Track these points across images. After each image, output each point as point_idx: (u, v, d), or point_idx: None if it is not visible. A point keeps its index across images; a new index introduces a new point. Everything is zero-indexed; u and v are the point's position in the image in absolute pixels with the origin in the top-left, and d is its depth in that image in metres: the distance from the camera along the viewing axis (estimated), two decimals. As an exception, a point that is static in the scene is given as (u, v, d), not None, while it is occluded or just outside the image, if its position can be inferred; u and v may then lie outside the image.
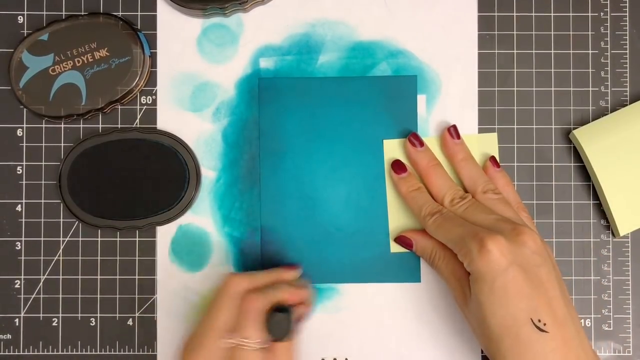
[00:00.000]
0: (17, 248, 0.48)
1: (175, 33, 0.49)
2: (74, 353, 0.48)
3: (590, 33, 0.49)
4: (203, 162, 0.49)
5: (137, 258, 0.48)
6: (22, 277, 0.48)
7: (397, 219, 0.48)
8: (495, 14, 0.49)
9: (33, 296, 0.48)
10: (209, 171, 0.49)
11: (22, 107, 0.48)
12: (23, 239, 0.49)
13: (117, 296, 0.48)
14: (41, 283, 0.48)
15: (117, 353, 0.48)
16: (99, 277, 0.48)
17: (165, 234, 0.48)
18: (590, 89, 0.49)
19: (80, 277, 0.48)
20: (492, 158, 0.47)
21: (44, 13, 0.49)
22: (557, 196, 0.49)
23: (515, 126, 0.49)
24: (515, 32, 0.49)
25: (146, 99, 0.49)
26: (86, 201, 0.47)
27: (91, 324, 0.48)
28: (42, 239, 0.48)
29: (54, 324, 0.48)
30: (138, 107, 0.49)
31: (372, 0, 0.49)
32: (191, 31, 0.49)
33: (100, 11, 0.49)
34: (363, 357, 0.48)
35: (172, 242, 0.48)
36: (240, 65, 0.49)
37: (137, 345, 0.48)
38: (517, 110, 0.49)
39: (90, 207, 0.48)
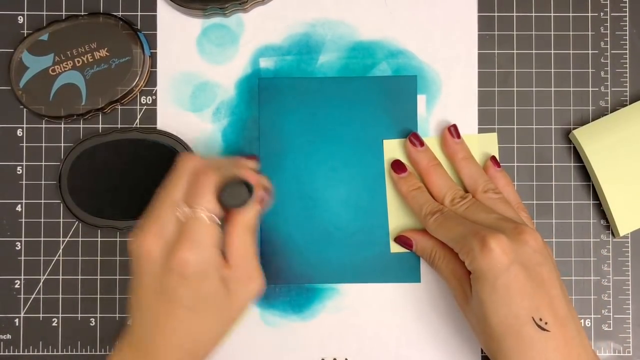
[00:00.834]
0: (17, 248, 0.48)
1: (175, 33, 0.49)
2: (74, 353, 0.48)
3: (590, 33, 0.49)
4: (203, 162, 0.48)
5: (137, 258, 0.48)
6: (22, 277, 0.48)
7: (397, 218, 0.48)
8: (495, 14, 0.49)
9: (33, 296, 0.48)
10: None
11: (22, 107, 0.48)
12: (23, 239, 0.49)
13: (117, 296, 0.48)
14: (41, 283, 0.48)
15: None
16: (99, 277, 0.48)
17: (165, 234, 0.48)
18: (590, 89, 0.49)
19: (80, 277, 0.48)
20: (493, 158, 0.47)
21: (44, 13, 0.49)
22: (557, 196, 0.49)
23: (515, 126, 0.49)
24: (515, 32, 0.49)
25: (146, 99, 0.49)
26: (86, 201, 0.47)
27: (91, 324, 0.48)
28: (42, 239, 0.48)
29: (54, 324, 0.48)
30: (138, 107, 0.49)
31: (372, 0, 0.49)
32: (191, 31, 0.49)
33: (100, 11, 0.49)
34: (363, 357, 0.48)
35: (172, 242, 0.48)
36: (240, 65, 0.49)
37: (137, 345, 0.48)
38: (517, 110, 0.49)
39: (90, 207, 0.47)
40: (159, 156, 0.48)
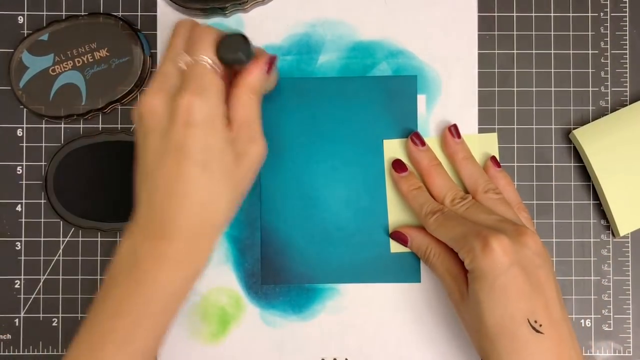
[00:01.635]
0: (17, 248, 0.48)
1: (175, 33, 0.49)
2: (74, 353, 0.48)
3: (590, 33, 0.49)
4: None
5: (137, 258, 0.48)
6: (22, 277, 0.48)
7: (397, 218, 0.48)
8: (495, 14, 0.49)
9: (33, 296, 0.48)
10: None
11: (22, 107, 0.48)
12: (23, 239, 0.49)
13: (117, 296, 0.48)
14: (41, 283, 0.48)
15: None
16: (99, 277, 0.48)
17: (165, 234, 0.48)
18: (590, 89, 0.49)
19: (80, 277, 0.48)
20: (493, 158, 0.47)
21: (44, 13, 0.49)
22: (557, 196, 0.49)
23: (515, 126, 0.49)
24: (515, 32, 0.49)
25: (146, 99, 0.49)
26: (71, 202, 0.47)
27: (91, 324, 0.48)
28: (42, 239, 0.48)
29: (54, 324, 0.48)
30: (138, 107, 0.49)
31: (372, 0, 0.49)
32: (191, 31, 0.49)
33: (100, 11, 0.49)
34: (363, 357, 0.48)
35: (172, 242, 0.48)
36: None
37: (137, 345, 0.48)
38: (517, 110, 0.49)
39: (75, 208, 0.47)
40: None
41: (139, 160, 0.39)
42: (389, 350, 0.48)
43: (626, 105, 0.49)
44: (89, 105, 0.47)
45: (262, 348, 0.48)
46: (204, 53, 0.38)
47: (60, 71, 0.47)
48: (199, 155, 0.37)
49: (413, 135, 0.47)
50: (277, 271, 0.48)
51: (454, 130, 0.47)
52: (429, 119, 0.49)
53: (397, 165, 0.47)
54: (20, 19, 0.49)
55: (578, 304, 0.49)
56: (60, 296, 0.48)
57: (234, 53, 0.39)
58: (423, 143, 0.47)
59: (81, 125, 0.49)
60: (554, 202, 0.49)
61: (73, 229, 0.48)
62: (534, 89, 0.49)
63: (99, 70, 0.47)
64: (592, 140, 0.47)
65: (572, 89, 0.49)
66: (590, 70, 0.49)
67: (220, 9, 0.47)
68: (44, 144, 0.49)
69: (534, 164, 0.49)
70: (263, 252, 0.48)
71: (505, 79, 0.49)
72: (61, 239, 0.49)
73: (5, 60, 0.48)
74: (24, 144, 0.49)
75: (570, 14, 0.49)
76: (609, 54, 0.49)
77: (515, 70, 0.49)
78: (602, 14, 0.49)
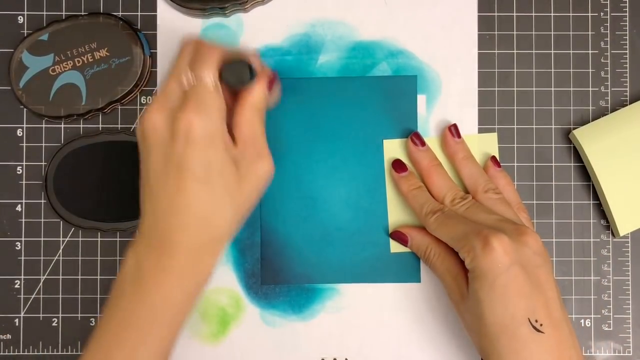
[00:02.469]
0: (17, 248, 0.48)
1: (175, 33, 0.49)
2: (74, 353, 0.48)
3: (590, 33, 0.49)
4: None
5: (137, 258, 0.48)
6: (22, 277, 0.48)
7: (397, 218, 0.48)
8: (495, 14, 0.49)
9: (33, 296, 0.48)
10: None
11: (22, 107, 0.48)
12: (23, 239, 0.49)
13: (117, 296, 0.48)
14: (41, 283, 0.48)
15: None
16: (99, 277, 0.48)
17: (165, 234, 0.48)
18: (590, 89, 0.49)
19: (80, 277, 0.48)
20: (493, 158, 0.47)
21: (44, 13, 0.49)
22: (557, 196, 0.49)
23: (515, 126, 0.49)
24: (515, 32, 0.49)
25: (146, 99, 0.49)
26: (71, 202, 0.47)
27: (91, 324, 0.48)
28: (42, 239, 0.48)
29: (54, 324, 0.48)
30: (138, 107, 0.49)
31: (372, 0, 0.49)
32: (191, 31, 0.49)
33: (100, 11, 0.49)
34: (363, 357, 0.48)
35: (172, 242, 0.48)
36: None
37: (137, 345, 0.48)
38: (517, 110, 0.49)
39: (75, 208, 0.47)
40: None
41: (143, 175, 0.40)
42: (389, 350, 0.48)
43: (626, 105, 0.49)
44: (89, 105, 0.47)
45: (262, 348, 0.48)
46: (206, 72, 0.39)
47: (60, 71, 0.47)
48: (199, 170, 0.38)
49: (413, 136, 0.47)
50: (277, 271, 0.48)
51: (454, 129, 0.47)
52: (429, 119, 0.49)
53: (397, 165, 0.47)
54: (20, 19, 0.49)
55: (578, 304, 0.49)
56: (60, 296, 0.48)
57: (237, 79, 0.40)
58: (423, 143, 0.47)
59: (81, 125, 0.49)
60: (554, 202, 0.49)
61: (73, 229, 0.48)
62: (534, 89, 0.49)
63: (99, 70, 0.47)
64: (592, 140, 0.47)
65: (572, 89, 0.49)
66: (590, 70, 0.49)
67: (220, 8, 0.47)
68: (44, 144, 0.49)
69: (534, 164, 0.49)
70: (263, 252, 0.48)
71: (505, 79, 0.49)
72: (61, 239, 0.49)
73: (5, 60, 0.48)
74: (24, 144, 0.49)
75: (570, 14, 0.49)
76: (609, 54, 0.49)
77: (515, 70, 0.49)
78: (602, 14, 0.49)
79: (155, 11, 0.49)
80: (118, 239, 0.49)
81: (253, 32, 0.49)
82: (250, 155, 0.40)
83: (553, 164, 0.49)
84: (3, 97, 0.49)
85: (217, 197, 0.39)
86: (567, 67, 0.49)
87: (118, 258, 0.48)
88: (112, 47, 0.47)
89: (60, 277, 0.48)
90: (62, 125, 0.49)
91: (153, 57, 0.49)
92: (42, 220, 0.48)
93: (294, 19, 0.49)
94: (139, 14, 0.49)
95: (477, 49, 0.49)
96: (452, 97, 0.49)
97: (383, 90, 0.48)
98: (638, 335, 0.48)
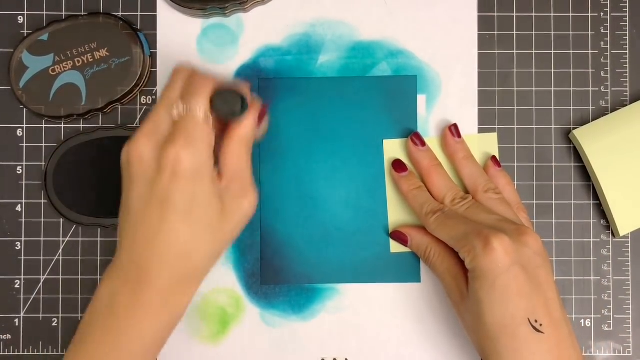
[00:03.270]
0: (17, 248, 0.48)
1: (175, 33, 0.49)
2: (74, 353, 0.48)
3: (590, 33, 0.49)
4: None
5: (137, 258, 0.48)
6: (22, 277, 0.48)
7: (397, 218, 0.48)
8: (495, 14, 0.49)
9: (33, 296, 0.48)
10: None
11: (22, 107, 0.48)
12: (23, 239, 0.49)
13: (117, 296, 0.48)
14: (41, 283, 0.48)
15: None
16: (98, 277, 0.48)
17: (165, 234, 0.48)
18: (590, 89, 0.49)
19: (80, 277, 0.48)
20: (493, 158, 0.47)
21: (44, 13, 0.49)
22: (557, 196, 0.49)
23: (515, 126, 0.49)
24: (515, 32, 0.49)
25: (146, 99, 0.49)
26: (71, 199, 0.47)
27: (91, 324, 0.48)
28: (42, 239, 0.48)
29: (54, 324, 0.48)
30: (138, 107, 0.49)
31: (372, 0, 0.49)
32: (191, 31, 0.49)
33: (100, 11, 0.49)
34: (363, 357, 0.48)
35: (172, 242, 0.48)
36: (240, 66, 0.49)
37: (137, 345, 0.48)
38: (517, 110, 0.49)
39: (75, 205, 0.47)
40: None
41: (123, 204, 0.39)
42: (389, 350, 0.48)
43: (626, 105, 0.49)
44: (89, 105, 0.47)
45: (262, 348, 0.48)
46: (197, 104, 0.38)
47: (60, 71, 0.47)
48: (183, 205, 0.37)
49: (413, 136, 0.47)
50: (277, 271, 0.48)
51: (454, 129, 0.47)
52: (429, 119, 0.49)
53: (398, 165, 0.47)
54: (20, 19, 0.49)
55: (578, 304, 0.49)
56: (60, 296, 0.48)
57: (229, 108, 0.39)
58: (423, 143, 0.47)
59: (81, 125, 0.49)
60: (554, 202, 0.49)
61: (73, 228, 0.48)
62: (534, 89, 0.49)
63: (99, 70, 0.47)
64: (592, 140, 0.47)
65: (572, 89, 0.49)
66: (590, 70, 0.49)
67: (220, 8, 0.47)
68: (43, 144, 0.49)
69: (534, 164, 0.49)
70: (263, 252, 0.48)
71: (505, 79, 0.49)
72: (61, 239, 0.49)
73: (5, 60, 0.48)
74: (24, 144, 0.49)
75: (570, 14, 0.49)
76: (609, 54, 0.49)
77: (515, 70, 0.49)
78: (602, 14, 0.49)
79: (155, 11, 0.49)
80: (118, 239, 0.48)
81: (253, 32, 0.49)
82: (234, 190, 0.40)
83: (553, 164, 0.49)
84: (3, 97, 0.49)
85: (199, 233, 0.38)
86: (567, 67, 0.49)
87: (118, 258, 0.48)
88: (112, 47, 0.47)
89: (60, 277, 0.48)
90: (62, 126, 0.49)
91: (153, 57, 0.49)
92: (42, 220, 0.48)
93: (294, 19, 0.49)
94: (139, 14, 0.49)
95: (477, 49, 0.49)
96: (452, 97, 0.49)
97: (383, 90, 0.48)
98: (638, 335, 0.48)
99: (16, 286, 0.48)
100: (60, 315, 0.48)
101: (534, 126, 0.49)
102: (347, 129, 0.48)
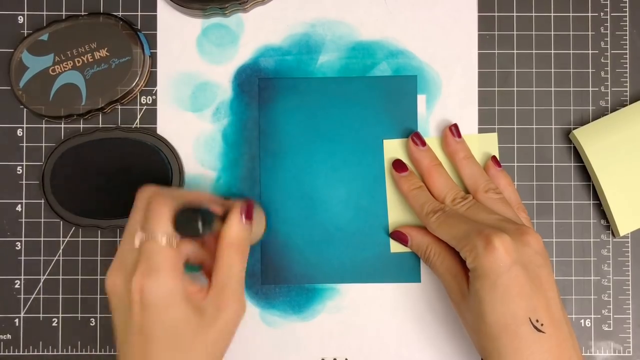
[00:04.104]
0: (17, 248, 0.48)
1: (175, 33, 0.49)
2: (74, 353, 0.48)
3: (590, 33, 0.49)
4: (203, 162, 0.49)
5: (137, 258, 0.48)
6: (22, 277, 0.48)
7: (397, 218, 0.48)
8: (495, 14, 0.49)
9: (33, 296, 0.48)
10: (209, 171, 0.49)
11: (22, 107, 0.48)
12: (23, 239, 0.49)
13: (117, 296, 0.48)
14: (41, 283, 0.48)
15: (117, 353, 0.48)
16: (98, 277, 0.48)
17: (165, 234, 0.48)
18: (590, 89, 0.49)
19: (80, 277, 0.48)
20: (494, 158, 0.47)
21: (44, 13, 0.49)
22: (557, 196, 0.49)
23: (515, 126, 0.49)
24: (515, 32, 0.49)
25: (146, 99, 0.49)
26: (68, 200, 0.47)
27: (91, 324, 0.48)
28: (42, 239, 0.48)
29: (54, 324, 0.48)
30: (138, 107, 0.49)
31: (372, 0, 0.49)
32: (191, 31, 0.49)
33: (100, 11, 0.49)
34: (363, 357, 0.48)
35: (172, 242, 0.48)
36: (240, 66, 0.49)
37: (137, 345, 0.48)
38: (517, 110, 0.49)
39: (73, 206, 0.47)
40: (141, 155, 0.47)
41: (114, 333, 0.39)
42: (389, 350, 0.48)
43: (626, 105, 0.49)
44: (89, 105, 0.47)
45: (262, 348, 0.48)
46: (157, 228, 0.37)
47: (60, 71, 0.47)
48: (161, 334, 0.37)
49: (414, 136, 0.47)
50: (277, 271, 0.48)
51: (454, 129, 0.47)
52: (429, 119, 0.49)
53: (398, 165, 0.47)
54: (20, 19, 0.49)
55: (578, 304, 0.49)
56: (60, 296, 0.48)
57: (191, 227, 0.37)
58: (424, 143, 0.47)
59: (81, 125, 0.49)
60: (554, 202, 0.49)
61: (73, 228, 0.48)
62: (534, 89, 0.49)
63: (99, 70, 0.47)
64: (592, 140, 0.47)
65: (572, 89, 0.49)
66: (590, 70, 0.49)
67: (220, 8, 0.47)
68: (43, 144, 0.49)
69: (534, 164, 0.49)
70: (263, 252, 0.48)
71: (505, 79, 0.49)
72: (61, 238, 0.49)
73: (5, 60, 0.48)
74: (24, 144, 0.49)
75: (570, 14, 0.49)
76: (609, 54, 0.49)
77: (515, 70, 0.49)
78: (602, 14, 0.49)
79: (155, 11, 0.49)
80: (118, 239, 0.49)
81: (253, 32, 0.49)
82: (220, 301, 0.38)
83: (553, 164, 0.49)
84: (3, 97, 0.49)
85: (185, 354, 0.37)
86: (567, 67, 0.49)
87: (118, 258, 0.48)
88: (112, 47, 0.47)
89: (60, 277, 0.48)
90: (62, 125, 0.49)
91: (153, 57, 0.49)
92: (42, 220, 0.48)
93: (294, 19, 0.49)
94: (139, 14, 0.49)
95: (477, 49, 0.49)
96: (452, 97, 0.49)
97: (383, 90, 0.48)
98: (638, 335, 0.48)
99: (16, 286, 0.48)
100: (60, 315, 0.48)
101: (534, 126, 0.49)
102: (347, 129, 0.48)
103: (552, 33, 0.49)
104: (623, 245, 0.49)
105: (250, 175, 0.49)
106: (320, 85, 0.49)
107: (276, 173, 0.48)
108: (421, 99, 0.49)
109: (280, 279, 0.48)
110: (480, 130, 0.49)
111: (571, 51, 0.49)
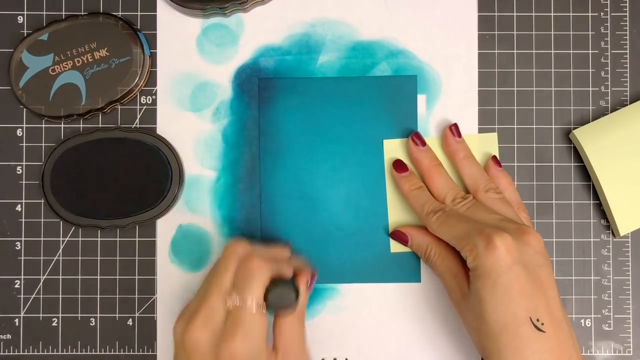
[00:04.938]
0: (17, 248, 0.48)
1: (175, 33, 0.49)
2: (74, 353, 0.48)
3: (590, 33, 0.49)
4: (203, 162, 0.49)
5: (137, 258, 0.48)
6: (22, 277, 0.48)
7: (397, 218, 0.48)
8: (495, 14, 0.49)
9: (33, 296, 0.48)
10: (209, 171, 0.49)
11: (22, 107, 0.48)
12: (23, 239, 0.49)
13: (117, 296, 0.48)
14: (41, 283, 0.48)
15: (117, 353, 0.48)
16: (98, 277, 0.48)
17: (165, 234, 0.48)
18: (590, 89, 0.49)
19: (80, 277, 0.48)
20: (494, 158, 0.47)
21: (44, 13, 0.49)
22: (557, 196, 0.49)
23: (515, 126, 0.49)
24: (515, 32, 0.49)
25: (146, 99, 0.49)
26: (68, 200, 0.47)
27: (91, 324, 0.48)
28: (42, 239, 0.48)
29: (53, 324, 0.48)
30: (138, 107, 0.49)
31: (372, 0, 0.49)
32: (191, 31, 0.49)
33: (100, 11, 0.49)
34: (363, 357, 0.48)
35: (172, 242, 0.48)
36: (240, 65, 0.49)
37: (137, 345, 0.48)
38: (517, 110, 0.49)
39: (73, 206, 0.47)
40: (141, 155, 0.47)
41: None
42: (389, 350, 0.48)
43: (626, 105, 0.49)
44: (88, 105, 0.47)
45: (262, 348, 0.48)
46: (252, 295, 0.38)
47: (60, 71, 0.47)
48: None
49: (414, 135, 0.47)
50: (277, 271, 0.48)
51: (454, 129, 0.47)
52: (429, 119, 0.49)
53: (398, 165, 0.47)
54: (20, 19, 0.49)
55: (578, 304, 0.49)
56: (60, 296, 0.48)
57: (283, 303, 0.40)
58: (424, 143, 0.47)
59: (81, 125, 0.49)
60: (554, 202, 0.49)
61: (73, 228, 0.48)
62: (534, 89, 0.49)
63: (98, 70, 0.47)
64: (592, 140, 0.47)
65: (572, 89, 0.49)
66: (590, 70, 0.49)
67: (220, 8, 0.47)
68: (43, 144, 0.49)
69: (534, 164, 0.49)
70: (263, 252, 0.48)
71: (505, 79, 0.49)
72: (61, 238, 0.49)
73: (5, 60, 0.48)
74: (24, 144, 0.49)
75: (570, 14, 0.49)
76: (609, 54, 0.49)
77: (515, 70, 0.49)
78: (602, 14, 0.49)
79: (155, 11, 0.49)
80: (118, 239, 0.49)
81: (253, 32, 0.49)
82: None
83: (553, 164, 0.49)
84: (3, 97, 0.49)
85: None
86: (567, 67, 0.49)
87: (118, 258, 0.48)
88: (112, 47, 0.47)
89: (60, 277, 0.48)
90: (62, 125, 0.49)
91: (153, 57, 0.49)
92: (42, 220, 0.48)
93: (294, 19, 0.49)
94: (138, 14, 0.49)
95: (477, 49, 0.49)
96: (452, 97, 0.49)
97: (383, 90, 0.48)
98: (638, 335, 0.48)
99: (16, 286, 0.48)
100: (60, 315, 0.48)
101: (534, 126, 0.49)
102: (347, 129, 0.48)
103: (552, 33, 0.49)
104: (623, 245, 0.49)
105: (250, 175, 0.49)
106: (320, 85, 0.49)
107: (276, 173, 0.48)
108: (421, 98, 0.49)
109: (280, 279, 0.48)
110: (480, 130, 0.49)
111: (571, 51, 0.49)
